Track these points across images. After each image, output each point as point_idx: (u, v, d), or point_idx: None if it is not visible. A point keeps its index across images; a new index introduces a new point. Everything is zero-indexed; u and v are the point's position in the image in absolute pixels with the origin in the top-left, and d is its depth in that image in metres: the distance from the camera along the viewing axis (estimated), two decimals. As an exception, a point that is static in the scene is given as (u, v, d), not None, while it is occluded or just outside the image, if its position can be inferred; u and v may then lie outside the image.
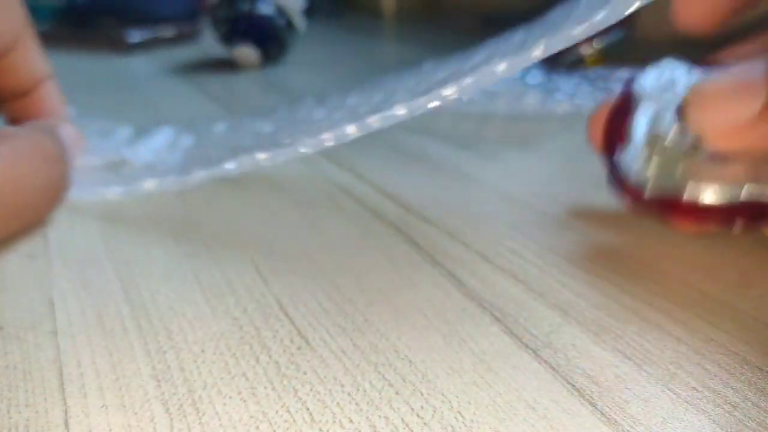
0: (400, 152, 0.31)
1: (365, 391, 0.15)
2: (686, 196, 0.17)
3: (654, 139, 0.18)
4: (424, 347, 0.16)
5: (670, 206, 0.17)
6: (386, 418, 0.14)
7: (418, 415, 0.14)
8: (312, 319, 0.17)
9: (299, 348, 0.16)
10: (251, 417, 0.14)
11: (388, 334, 0.17)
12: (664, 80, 0.19)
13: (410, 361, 0.16)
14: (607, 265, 0.20)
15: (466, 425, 0.13)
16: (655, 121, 0.18)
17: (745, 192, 0.17)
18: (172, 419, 0.14)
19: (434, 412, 0.14)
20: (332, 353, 0.16)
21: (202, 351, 0.16)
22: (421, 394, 0.14)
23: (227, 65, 0.55)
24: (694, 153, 0.17)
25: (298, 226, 0.23)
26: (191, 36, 0.70)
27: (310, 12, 0.56)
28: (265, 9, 0.52)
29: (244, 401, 0.14)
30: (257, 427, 0.14)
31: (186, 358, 0.16)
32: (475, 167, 0.29)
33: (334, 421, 0.14)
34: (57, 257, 0.21)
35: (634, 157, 0.18)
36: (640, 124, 0.18)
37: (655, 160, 0.17)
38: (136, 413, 0.14)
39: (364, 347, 0.16)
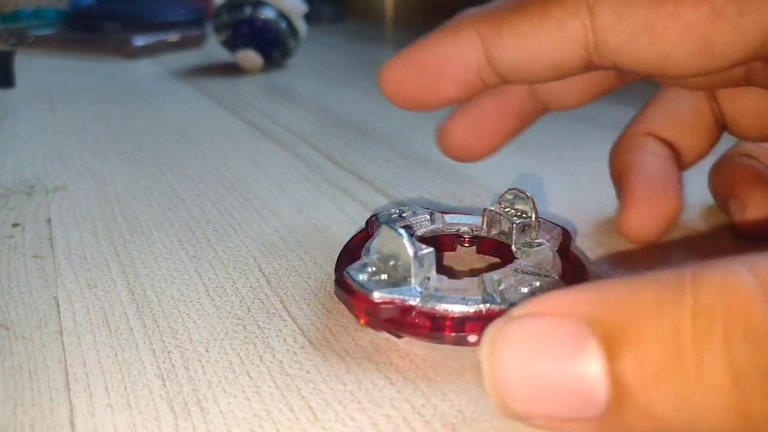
0: (401, 152, 0.32)
1: (367, 389, 0.15)
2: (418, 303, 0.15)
3: (385, 259, 0.17)
4: (425, 345, 0.16)
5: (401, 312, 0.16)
6: (388, 416, 0.14)
7: (419, 413, 0.14)
8: (314, 318, 0.18)
9: (302, 347, 0.16)
10: (255, 415, 0.14)
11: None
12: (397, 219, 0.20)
13: (411, 360, 0.16)
14: (609, 263, 0.20)
15: (466, 423, 0.14)
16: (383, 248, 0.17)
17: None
18: (176, 418, 0.14)
19: (435, 410, 0.14)
20: (334, 352, 0.16)
21: (207, 350, 0.16)
22: (423, 392, 0.15)
23: (231, 69, 0.55)
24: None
25: (300, 226, 0.24)
26: (196, 41, 0.70)
27: (310, 17, 0.56)
28: (267, 13, 0.52)
29: (248, 399, 0.14)
30: (261, 426, 0.14)
31: (191, 358, 0.16)
32: (474, 168, 0.29)
33: (337, 420, 0.14)
34: (62, 257, 0.21)
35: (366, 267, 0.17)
36: (374, 247, 0.18)
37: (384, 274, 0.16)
38: (141, 412, 0.14)
39: (366, 346, 0.16)
